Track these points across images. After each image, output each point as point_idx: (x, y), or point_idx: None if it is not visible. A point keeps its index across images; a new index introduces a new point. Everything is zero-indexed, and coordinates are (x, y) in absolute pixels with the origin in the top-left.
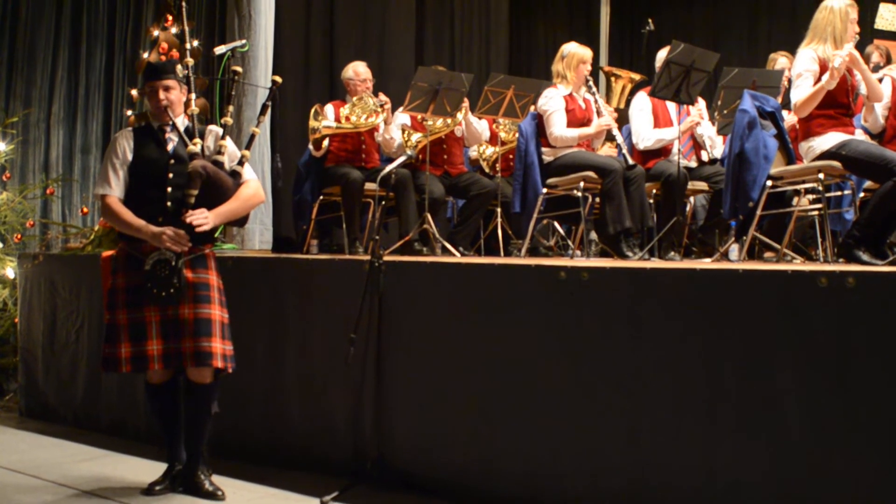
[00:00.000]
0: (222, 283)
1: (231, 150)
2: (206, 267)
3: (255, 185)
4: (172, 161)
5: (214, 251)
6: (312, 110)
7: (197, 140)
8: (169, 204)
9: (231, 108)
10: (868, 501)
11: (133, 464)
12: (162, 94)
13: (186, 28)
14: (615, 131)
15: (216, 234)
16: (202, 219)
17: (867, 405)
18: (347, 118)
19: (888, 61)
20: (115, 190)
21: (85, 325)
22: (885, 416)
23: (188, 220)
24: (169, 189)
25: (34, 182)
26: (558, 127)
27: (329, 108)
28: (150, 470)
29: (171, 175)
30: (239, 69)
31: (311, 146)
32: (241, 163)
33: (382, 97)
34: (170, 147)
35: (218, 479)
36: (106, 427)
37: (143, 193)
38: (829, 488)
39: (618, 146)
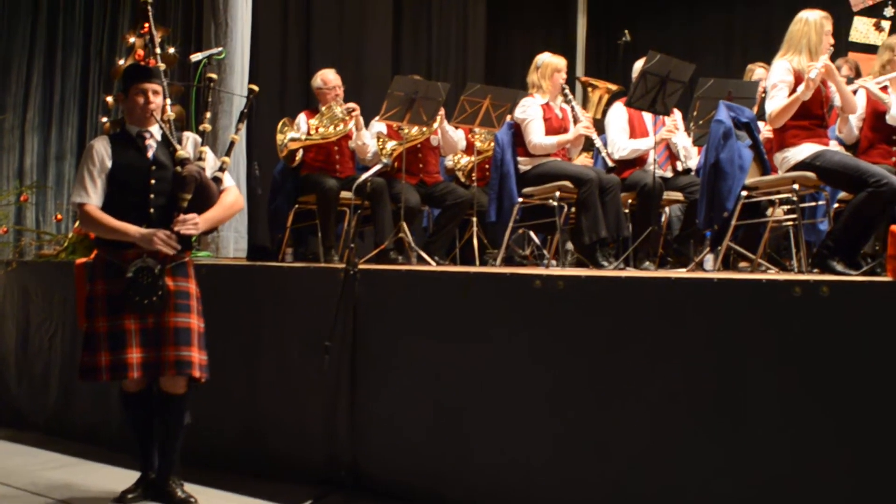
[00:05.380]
0: (199, 292)
1: (210, 156)
2: (187, 275)
3: (235, 192)
4: (154, 167)
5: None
6: (280, 124)
7: (182, 143)
8: (152, 210)
9: (209, 115)
10: None
11: (105, 472)
12: (151, 97)
13: (154, 30)
14: (594, 136)
15: (192, 241)
16: (192, 225)
17: (842, 413)
18: (316, 129)
19: (857, 75)
20: (93, 198)
21: (58, 331)
22: (861, 424)
23: (178, 227)
24: (151, 195)
25: (8, 188)
26: (537, 135)
27: (301, 119)
28: (122, 478)
29: (153, 181)
30: (214, 76)
31: (283, 160)
32: (221, 169)
33: (350, 104)
34: (150, 153)
35: (191, 488)
36: (78, 435)
37: (124, 201)
38: (806, 496)
39: (596, 150)
